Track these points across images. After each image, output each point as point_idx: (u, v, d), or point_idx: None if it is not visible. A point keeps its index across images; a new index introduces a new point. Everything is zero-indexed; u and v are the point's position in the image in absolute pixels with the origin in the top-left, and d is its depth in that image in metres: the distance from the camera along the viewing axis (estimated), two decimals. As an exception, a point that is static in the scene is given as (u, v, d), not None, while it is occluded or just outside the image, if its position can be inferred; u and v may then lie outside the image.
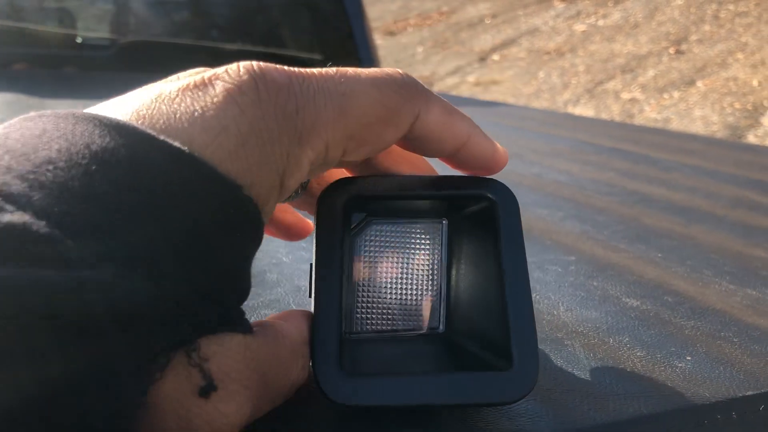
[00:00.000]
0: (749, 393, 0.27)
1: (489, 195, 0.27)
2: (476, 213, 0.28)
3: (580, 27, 5.65)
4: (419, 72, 5.55)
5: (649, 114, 4.16)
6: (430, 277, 0.30)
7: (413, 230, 0.30)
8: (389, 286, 0.30)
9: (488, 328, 0.26)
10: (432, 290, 0.30)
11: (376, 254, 0.30)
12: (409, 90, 0.24)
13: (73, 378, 0.15)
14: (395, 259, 0.30)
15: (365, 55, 1.72)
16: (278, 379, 0.22)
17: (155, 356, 0.17)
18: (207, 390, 0.18)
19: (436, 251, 0.30)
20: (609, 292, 0.38)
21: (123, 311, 0.16)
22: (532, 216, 0.55)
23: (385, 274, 0.29)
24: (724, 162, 0.86)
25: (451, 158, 0.27)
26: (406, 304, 0.30)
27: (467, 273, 0.29)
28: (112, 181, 0.17)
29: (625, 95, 4.47)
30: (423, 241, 0.30)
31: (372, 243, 0.29)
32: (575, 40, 5.48)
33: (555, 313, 0.35)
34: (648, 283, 0.40)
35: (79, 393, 0.16)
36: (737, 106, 3.96)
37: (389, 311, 0.30)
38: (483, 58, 5.57)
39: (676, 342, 0.32)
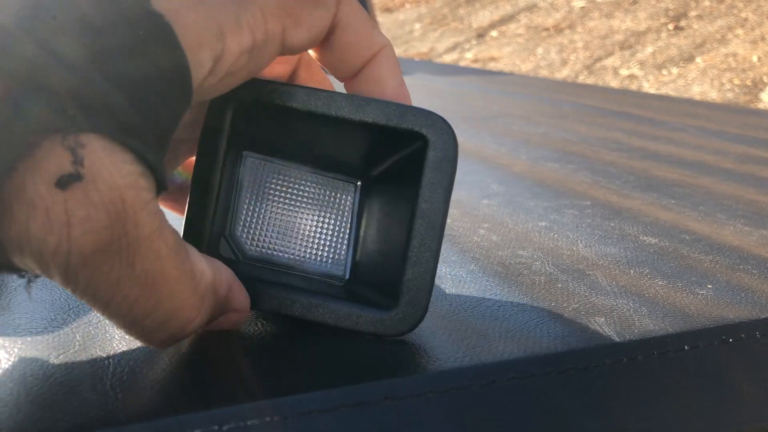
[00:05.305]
0: (772, 315, 0.28)
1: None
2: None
3: (578, 3, 5.61)
4: (417, 49, 5.51)
5: (648, 90, 4.15)
6: (300, 183, 0.28)
7: (318, 183, 0.28)
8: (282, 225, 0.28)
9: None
10: (314, 184, 0.28)
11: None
12: None
13: None
14: (289, 209, 0.28)
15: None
16: (149, 254, 0.19)
17: (32, 133, 0.17)
18: (69, 179, 0.17)
19: (273, 171, 0.28)
20: (626, 231, 0.38)
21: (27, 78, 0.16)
22: (543, 168, 0.55)
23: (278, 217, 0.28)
24: (729, 124, 0.86)
25: (353, 78, 0.25)
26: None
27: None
28: None
29: (624, 72, 4.46)
30: (260, 183, 0.27)
31: (252, 231, 0.27)
32: (574, 16, 5.44)
33: (574, 248, 0.35)
34: (664, 224, 0.40)
35: None
36: (736, 82, 3.95)
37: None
38: (481, 35, 5.54)
39: (696, 273, 0.32)
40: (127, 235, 0.18)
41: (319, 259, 0.27)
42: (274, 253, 0.27)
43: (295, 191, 0.28)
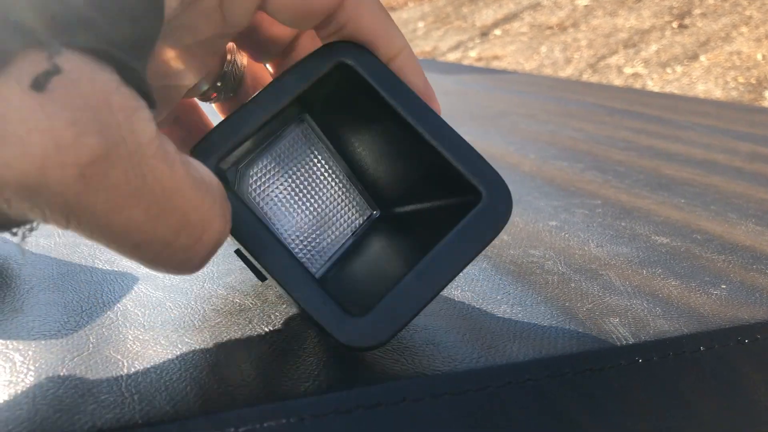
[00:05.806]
0: (787, 316, 0.27)
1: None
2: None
3: (582, 1, 5.60)
4: (420, 47, 5.50)
5: (652, 89, 4.14)
6: (329, 176, 0.27)
7: (283, 146, 0.27)
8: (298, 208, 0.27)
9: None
10: (339, 186, 0.27)
11: (271, 186, 0.27)
12: None
13: None
14: (289, 183, 0.27)
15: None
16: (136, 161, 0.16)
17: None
18: (46, 75, 0.14)
19: (316, 150, 0.27)
20: (637, 231, 0.38)
21: None
22: (551, 167, 0.55)
23: (287, 200, 0.27)
24: (737, 122, 0.85)
25: None
26: (325, 214, 0.27)
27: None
28: None
29: (628, 70, 4.45)
30: (298, 150, 0.27)
31: (262, 182, 0.26)
32: (577, 14, 5.43)
33: (586, 248, 0.35)
34: (675, 223, 0.40)
35: None
36: (741, 80, 3.93)
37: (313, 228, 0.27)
38: (485, 33, 5.53)
39: (709, 273, 0.32)
40: (126, 142, 0.15)
41: (298, 249, 0.27)
42: (266, 214, 0.26)
43: (318, 181, 0.27)
